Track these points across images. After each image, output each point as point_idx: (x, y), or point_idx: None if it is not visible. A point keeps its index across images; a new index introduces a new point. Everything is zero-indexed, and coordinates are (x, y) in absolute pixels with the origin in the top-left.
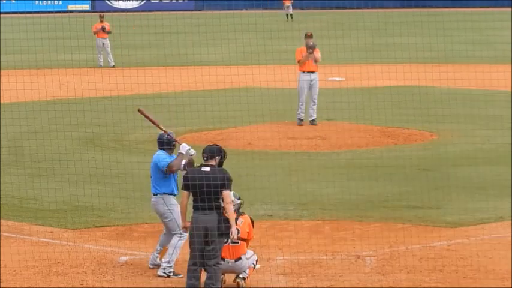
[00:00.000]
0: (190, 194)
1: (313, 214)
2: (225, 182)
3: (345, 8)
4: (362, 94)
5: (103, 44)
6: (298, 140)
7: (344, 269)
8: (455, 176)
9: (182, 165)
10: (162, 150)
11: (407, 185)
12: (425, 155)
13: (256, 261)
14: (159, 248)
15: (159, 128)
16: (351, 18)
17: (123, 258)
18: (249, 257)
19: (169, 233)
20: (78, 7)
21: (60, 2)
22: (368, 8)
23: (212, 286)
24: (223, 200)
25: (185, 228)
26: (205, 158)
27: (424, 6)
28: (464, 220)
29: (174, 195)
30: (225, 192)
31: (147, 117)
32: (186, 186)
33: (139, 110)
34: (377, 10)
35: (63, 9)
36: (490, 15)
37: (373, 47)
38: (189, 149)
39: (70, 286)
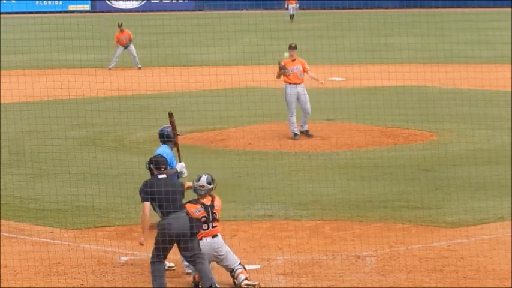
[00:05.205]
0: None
1: (313, 214)
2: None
3: (345, 8)
4: (362, 94)
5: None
6: (298, 140)
7: (344, 269)
8: (455, 176)
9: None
10: (165, 145)
11: (407, 185)
12: (425, 155)
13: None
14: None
15: (175, 135)
16: (351, 18)
17: (124, 259)
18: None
19: None
20: (79, 7)
21: (61, 2)
22: (368, 8)
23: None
24: None
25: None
26: (162, 169)
27: (423, 6)
28: (464, 220)
29: None
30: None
31: (172, 123)
32: (150, 195)
33: (169, 114)
34: (377, 10)
35: (63, 9)
36: (490, 15)
37: (373, 47)
38: (183, 171)
39: (70, 286)
